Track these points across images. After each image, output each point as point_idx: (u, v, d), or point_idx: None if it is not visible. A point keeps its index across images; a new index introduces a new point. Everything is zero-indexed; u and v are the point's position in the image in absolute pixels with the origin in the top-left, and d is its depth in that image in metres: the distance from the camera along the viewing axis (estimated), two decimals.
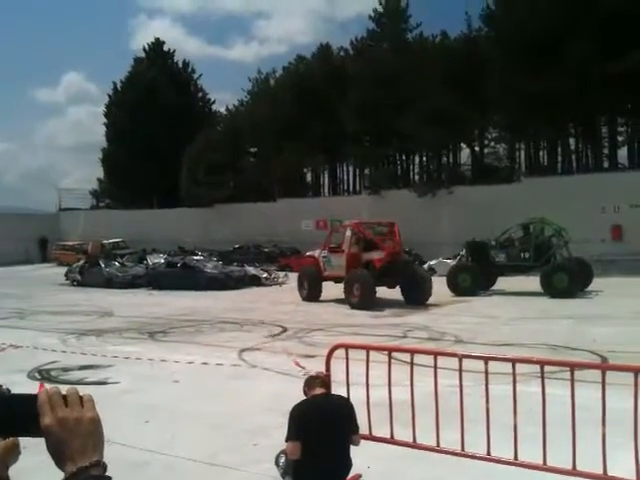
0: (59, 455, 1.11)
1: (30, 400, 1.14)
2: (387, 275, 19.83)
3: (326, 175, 51.08)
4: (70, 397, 1.14)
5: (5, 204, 52.99)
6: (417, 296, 19.68)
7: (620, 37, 29.44)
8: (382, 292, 19.97)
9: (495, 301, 20.46)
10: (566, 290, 19.99)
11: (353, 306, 19.11)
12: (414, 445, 5.42)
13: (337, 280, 20.95)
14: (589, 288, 21.38)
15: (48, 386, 1.18)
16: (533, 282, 21.02)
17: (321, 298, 21.34)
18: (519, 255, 22.55)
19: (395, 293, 20.28)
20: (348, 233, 21.08)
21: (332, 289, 21.13)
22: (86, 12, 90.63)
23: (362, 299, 19.06)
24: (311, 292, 21.42)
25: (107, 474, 1.12)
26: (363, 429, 4.95)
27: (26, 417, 1.13)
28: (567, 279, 20.25)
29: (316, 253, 22.50)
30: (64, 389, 1.17)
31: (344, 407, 4.67)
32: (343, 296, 20.01)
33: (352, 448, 4.74)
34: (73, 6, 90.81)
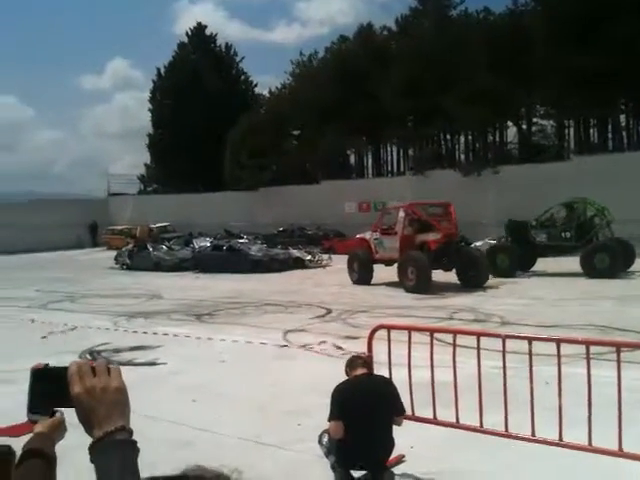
0: (87, 422, 1.18)
1: (63, 372, 1.21)
2: (443, 257, 19.22)
3: (369, 157, 50.84)
4: (98, 367, 1.22)
5: (56, 190, 54.47)
6: (474, 279, 18.97)
7: None
8: (436, 275, 19.37)
9: (540, 282, 20.07)
10: (607, 270, 19.39)
11: (408, 289, 18.42)
12: (457, 426, 5.40)
13: (388, 263, 20.63)
14: (632, 269, 20.76)
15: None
16: (573, 263, 20.50)
17: (372, 281, 20.86)
18: (560, 235, 22.07)
19: (449, 276, 19.65)
20: (401, 214, 20.44)
21: (382, 272, 20.83)
22: None
23: (418, 282, 18.33)
24: (362, 275, 20.89)
25: (134, 439, 1.18)
26: (406, 410, 4.97)
27: (59, 388, 1.19)
28: (608, 259, 19.69)
29: (367, 235, 21.97)
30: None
31: (386, 387, 4.70)
32: (395, 279, 19.54)
33: (395, 428, 4.77)
34: None
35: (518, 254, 21.58)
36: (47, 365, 1.24)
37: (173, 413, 7.06)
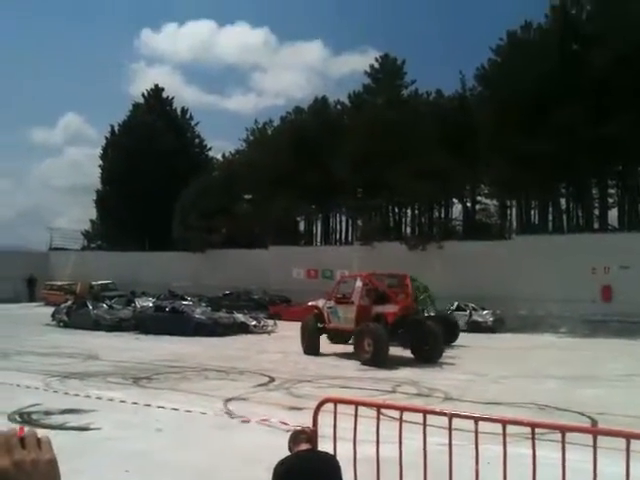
0: None
1: None
2: (398, 330, 18.82)
3: (319, 224, 51.37)
4: (27, 439, 1.14)
5: None
6: (428, 353, 18.58)
7: (610, 101, 30.21)
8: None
9: (482, 356, 20.32)
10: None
11: (364, 362, 17.81)
12: None
13: (335, 338, 20.48)
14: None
15: (8, 427, 1.17)
16: None
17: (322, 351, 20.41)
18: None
19: (398, 348, 19.31)
20: (359, 284, 20.04)
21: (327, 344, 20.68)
22: (86, 56, 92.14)
23: (375, 355, 17.71)
24: (311, 344, 20.32)
25: None
26: None
27: None
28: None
29: (320, 303, 21.50)
30: (40, 432, 1.16)
31: (330, 464, 4.60)
32: (345, 350, 19.30)
33: None
34: (73, 48, 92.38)
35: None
36: None
37: None
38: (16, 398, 11.90)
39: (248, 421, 10.44)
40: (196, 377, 15.59)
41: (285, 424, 10.13)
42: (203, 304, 31.55)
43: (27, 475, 1.10)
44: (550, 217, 40.89)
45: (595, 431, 5.24)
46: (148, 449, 8.57)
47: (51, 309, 32.12)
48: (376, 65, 45.88)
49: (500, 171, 36.41)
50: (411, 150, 36.50)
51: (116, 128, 54.02)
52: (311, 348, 20.29)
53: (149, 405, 11.59)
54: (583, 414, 10.93)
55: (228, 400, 12.23)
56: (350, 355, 19.03)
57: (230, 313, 28.68)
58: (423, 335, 18.83)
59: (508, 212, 44.11)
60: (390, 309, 19.08)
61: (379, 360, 17.56)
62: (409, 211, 47.64)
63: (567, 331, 27.91)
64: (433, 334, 19.00)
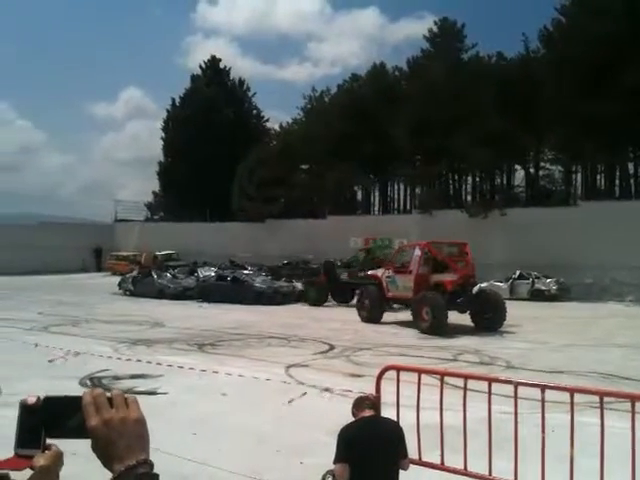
0: (107, 456, 1.13)
1: (74, 402, 1.15)
2: (457, 298, 18.61)
3: (376, 193, 51.05)
4: (115, 398, 1.16)
5: (63, 214, 54.64)
6: (491, 322, 18.37)
7: None
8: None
9: (545, 327, 19.91)
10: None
11: (423, 330, 17.80)
12: (465, 472, 5.28)
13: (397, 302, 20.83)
14: None
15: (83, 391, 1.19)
16: None
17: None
18: (357, 274, 26.25)
19: (460, 317, 19.02)
20: (417, 252, 19.92)
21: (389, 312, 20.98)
22: (146, 31, 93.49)
23: (433, 323, 17.65)
24: (373, 313, 20.45)
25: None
26: (412, 453, 4.87)
27: (71, 419, 1.14)
28: (316, 291, 25.98)
29: (379, 272, 21.58)
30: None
31: (393, 430, 4.60)
32: (403, 319, 19.33)
33: (401, 473, 4.66)
34: (133, 24, 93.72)
35: (327, 288, 26.27)
36: (39, 397, 1.18)
37: (172, 445, 6.93)
38: (87, 364, 12.40)
39: (327, 390, 10.56)
40: (258, 344, 15.88)
41: (348, 391, 10.24)
42: (263, 273, 31.98)
43: (117, 433, 1.13)
44: (617, 182, 39.39)
45: None
46: (214, 413, 8.81)
47: (117, 278, 33.17)
48: (435, 29, 44.78)
49: (564, 135, 35.15)
50: (471, 115, 35.63)
51: (176, 101, 54.74)
52: (373, 317, 20.39)
53: (216, 371, 11.88)
54: None
55: (289, 366, 12.41)
56: (409, 324, 18.98)
57: (289, 282, 29.00)
58: (484, 303, 18.66)
59: (573, 177, 42.69)
60: (449, 277, 18.96)
61: (438, 328, 17.48)
62: (469, 178, 46.73)
63: (634, 299, 27.04)
64: (494, 302, 18.84)
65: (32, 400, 1.16)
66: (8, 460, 1.18)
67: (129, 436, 1.13)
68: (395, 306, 21.62)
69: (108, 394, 1.18)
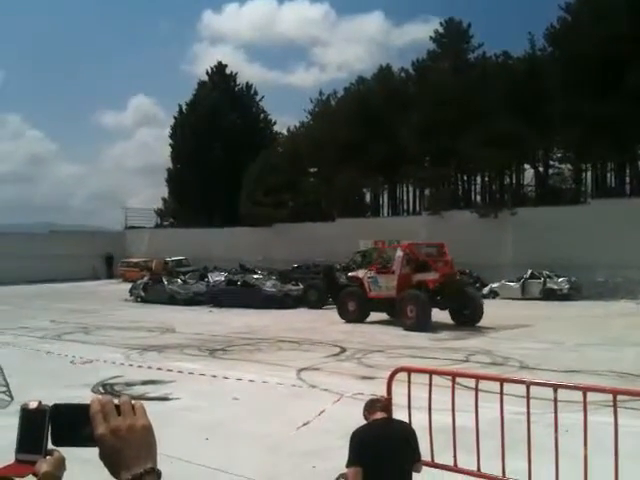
0: (113, 464, 1.12)
1: (82, 410, 1.14)
2: (437, 296, 19.90)
3: (385, 196, 50.93)
4: (122, 406, 1.15)
5: (76, 223, 54.95)
6: (468, 318, 19.61)
7: None
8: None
9: (558, 326, 19.81)
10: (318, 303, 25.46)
11: (407, 327, 18.88)
12: (479, 474, 5.25)
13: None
14: None
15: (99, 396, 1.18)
16: None
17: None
18: None
19: (442, 315, 20.16)
20: (399, 253, 21.05)
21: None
22: (152, 39, 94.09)
23: (418, 320, 18.85)
24: (356, 313, 21.33)
25: None
26: (425, 455, 4.84)
27: (79, 427, 1.13)
28: (316, 294, 25.96)
29: (360, 273, 22.55)
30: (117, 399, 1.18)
31: (406, 433, 4.58)
32: (387, 318, 20.39)
33: (414, 475, 4.64)
34: (141, 34, 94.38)
35: (326, 291, 25.96)
36: (41, 403, 1.16)
37: (186, 451, 6.94)
38: (99, 370, 12.44)
39: (339, 397, 10.54)
40: (269, 348, 15.88)
41: (359, 394, 10.20)
42: (273, 277, 31.99)
43: (124, 441, 1.12)
44: (628, 180, 39.12)
45: None
46: (226, 418, 8.81)
47: (128, 285, 33.30)
48: (441, 30, 44.66)
49: (573, 134, 34.95)
50: (479, 116, 35.51)
51: (184, 108, 54.92)
52: (357, 317, 21.20)
53: (227, 377, 11.89)
54: None
55: (301, 370, 12.40)
56: (392, 322, 20.07)
57: (299, 285, 28.99)
58: (462, 301, 19.92)
59: (583, 176, 42.40)
60: (430, 276, 19.99)
61: (423, 325, 18.69)
62: (479, 179, 46.54)
63: None
64: (472, 299, 20.27)
65: (34, 405, 1.15)
66: (9, 466, 1.16)
67: (136, 444, 1.12)
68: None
69: (116, 401, 1.17)
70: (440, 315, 20.02)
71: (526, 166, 44.09)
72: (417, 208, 47.62)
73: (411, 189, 49.77)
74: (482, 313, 19.71)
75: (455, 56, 42.40)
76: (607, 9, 32.15)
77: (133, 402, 1.17)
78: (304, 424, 7.95)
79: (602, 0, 33.95)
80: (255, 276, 31.26)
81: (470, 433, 5.30)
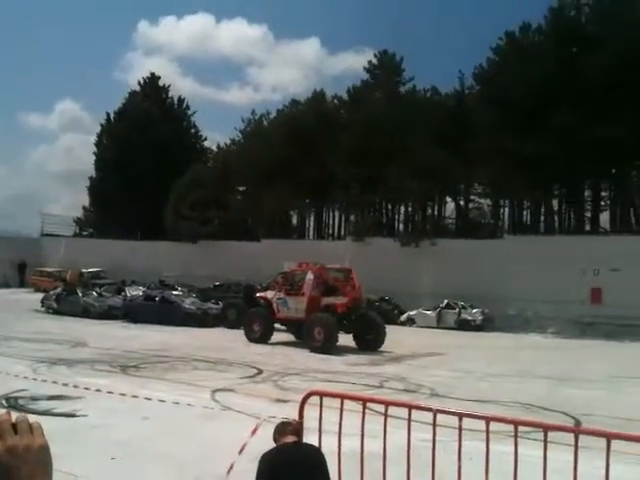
0: None
1: None
2: (345, 320, 20.47)
3: (312, 218, 51.31)
4: (19, 424, 1.14)
5: None
6: (371, 342, 20.23)
7: (607, 104, 30.25)
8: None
9: (471, 355, 20.43)
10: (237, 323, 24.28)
11: (314, 349, 19.23)
12: None
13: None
14: None
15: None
16: None
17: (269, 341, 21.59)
18: None
19: (347, 339, 20.62)
20: (310, 276, 21.37)
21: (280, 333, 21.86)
22: (83, 44, 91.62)
23: (325, 343, 19.28)
24: (262, 333, 21.44)
25: None
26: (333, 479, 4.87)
27: None
28: (236, 314, 25.44)
29: (269, 294, 22.69)
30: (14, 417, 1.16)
31: (314, 456, 4.61)
32: (293, 339, 20.89)
33: None
34: (71, 37, 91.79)
35: (244, 310, 25.01)
36: None
37: (91, 470, 6.72)
38: (3, 383, 11.87)
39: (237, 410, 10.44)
40: (184, 367, 15.60)
41: (272, 417, 10.16)
42: (193, 294, 31.51)
43: (20, 460, 1.10)
44: (542, 218, 41.02)
45: (576, 430, 5.29)
46: (134, 437, 8.58)
47: (40, 295, 32.00)
48: (374, 61, 45.84)
49: (494, 171, 36.46)
50: (407, 147, 36.49)
51: (112, 116, 53.74)
52: (262, 337, 21.36)
53: (136, 395, 11.57)
54: (567, 414, 11.01)
55: (215, 391, 12.24)
56: (298, 344, 20.44)
57: (219, 304, 28.66)
58: (366, 326, 20.58)
59: (501, 211, 44.22)
60: (339, 300, 20.63)
61: (329, 347, 19.15)
62: (402, 208, 47.63)
63: (555, 332, 28.04)
64: (376, 324, 20.86)
65: None
66: None
67: (32, 463, 1.11)
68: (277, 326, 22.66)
69: (13, 419, 1.15)
70: (343, 339, 20.47)
71: (448, 199, 45.56)
72: (342, 233, 48.19)
73: (337, 214, 50.40)
74: (384, 339, 20.39)
75: (387, 87, 43.52)
76: (534, 52, 33.91)
77: (31, 421, 1.17)
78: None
79: (530, 44, 35.83)
80: (175, 292, 30.69)
81: (378, 459, 5.38)
